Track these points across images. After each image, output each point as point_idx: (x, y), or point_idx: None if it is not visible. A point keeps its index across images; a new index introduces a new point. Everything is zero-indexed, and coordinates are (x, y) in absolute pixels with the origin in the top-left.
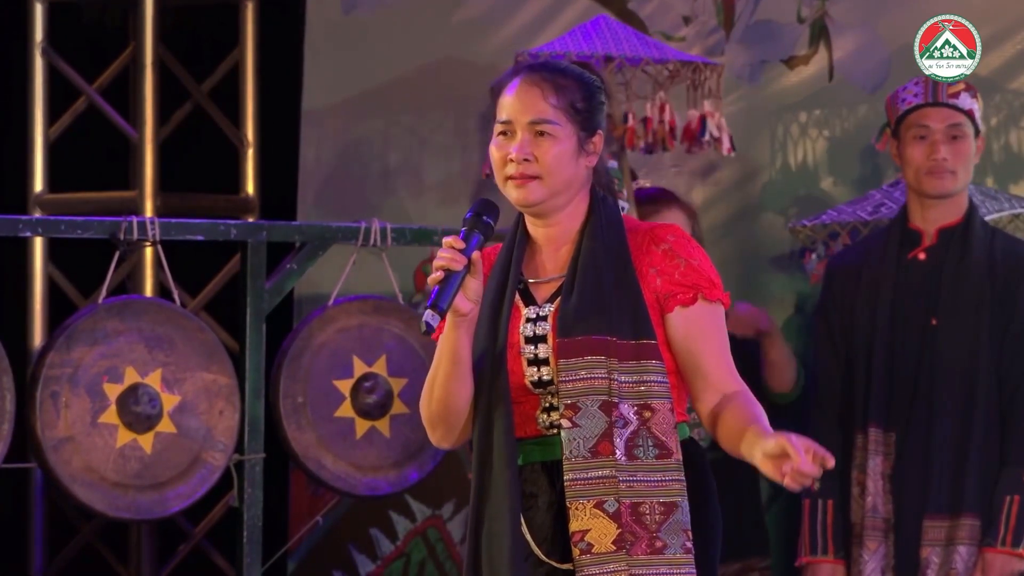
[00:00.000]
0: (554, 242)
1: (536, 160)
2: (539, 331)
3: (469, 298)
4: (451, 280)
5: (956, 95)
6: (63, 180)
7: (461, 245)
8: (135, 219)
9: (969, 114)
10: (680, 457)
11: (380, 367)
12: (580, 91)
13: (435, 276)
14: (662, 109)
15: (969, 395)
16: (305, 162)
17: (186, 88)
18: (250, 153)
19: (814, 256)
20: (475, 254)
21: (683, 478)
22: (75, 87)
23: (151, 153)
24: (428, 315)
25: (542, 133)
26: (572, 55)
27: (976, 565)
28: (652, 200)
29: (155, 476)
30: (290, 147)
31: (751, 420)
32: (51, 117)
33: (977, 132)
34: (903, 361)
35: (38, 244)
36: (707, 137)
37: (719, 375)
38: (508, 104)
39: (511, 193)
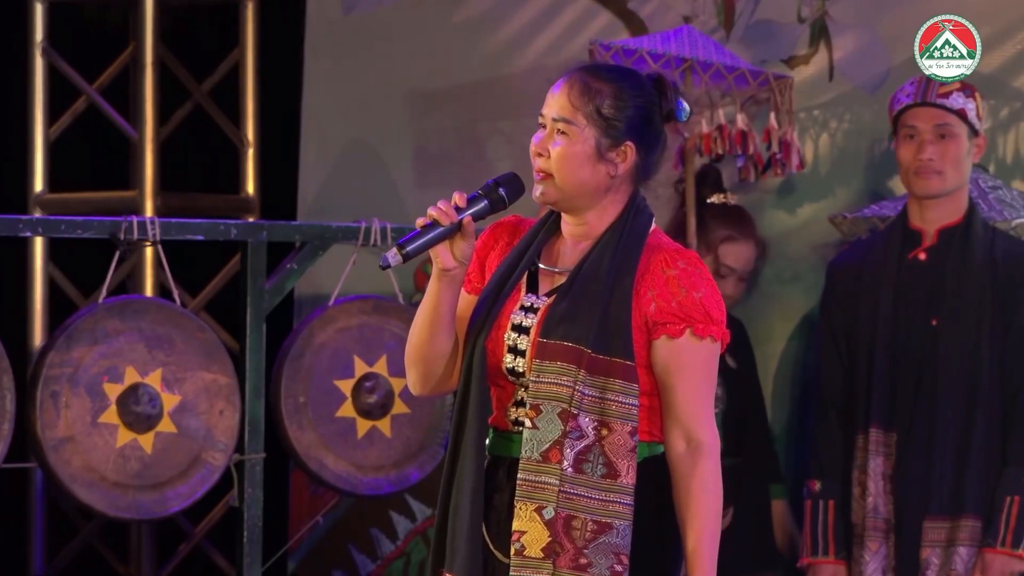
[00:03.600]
0: (576, 238)
1: (548, 156)
2: (526, 322)
3: (455, 257)
4: (430, 231)
5: (947, 95)
6: (63, 180)
7: (462, 204)
8: (135, 219)
9: (960, 113)
10: (631, 481)
11: (381, 367)
12: (612, 97)
13: (420, 220)
14: (741, 123)
15: (970, 396)
16: (305, 162)
17: (186, 88)
18: (250, 153)
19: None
20: (467, 219)
21: (630, 502)
22: (75, 87)
23: (151, 153)
24: (391, 253)
25: (560, 131)
26: (644, 51)
27: (976, 566)
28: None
29: (155, 476)
30: (290, 147)
31: (686, 538)
32: (51, 117)
33: (975, 132)
34: (904, 362)
35: (38, 244)
36: (771, 153)
37: (687, 416)
38: (547, 98)
39: (534, 187)
